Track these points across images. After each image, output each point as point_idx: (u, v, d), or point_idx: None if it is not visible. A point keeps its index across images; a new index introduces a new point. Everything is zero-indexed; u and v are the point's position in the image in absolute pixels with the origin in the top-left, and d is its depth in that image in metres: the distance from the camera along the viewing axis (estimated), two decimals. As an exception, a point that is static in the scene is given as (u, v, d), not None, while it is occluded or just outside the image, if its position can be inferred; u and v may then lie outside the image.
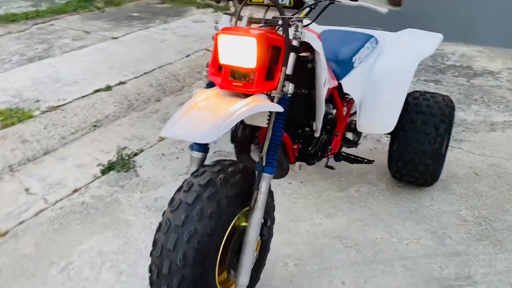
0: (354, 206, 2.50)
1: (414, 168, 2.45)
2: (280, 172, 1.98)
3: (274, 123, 1.59)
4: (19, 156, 2.90)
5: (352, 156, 2.53)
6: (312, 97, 1.90)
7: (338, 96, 2.24)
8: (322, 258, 2.12)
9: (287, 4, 1.69)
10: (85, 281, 1.98)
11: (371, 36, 2.49)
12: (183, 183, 1.54)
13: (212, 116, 1.44)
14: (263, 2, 1.70)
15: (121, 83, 3.88)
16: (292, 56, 1.59)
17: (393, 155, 2.48)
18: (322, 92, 1.82)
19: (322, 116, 1.90)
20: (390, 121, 2.30)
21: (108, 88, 3.75)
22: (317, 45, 1.73)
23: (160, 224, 1.48)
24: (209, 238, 1.44)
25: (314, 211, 2.46)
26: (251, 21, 1.73)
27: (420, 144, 2.38)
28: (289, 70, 1.58)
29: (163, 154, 3.03)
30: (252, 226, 1.59)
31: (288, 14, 1.61)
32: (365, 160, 2.53)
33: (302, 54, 1.77)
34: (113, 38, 5.08)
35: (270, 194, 1.76)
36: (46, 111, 3.32)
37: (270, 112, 1.60)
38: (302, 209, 2.47)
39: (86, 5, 6.30)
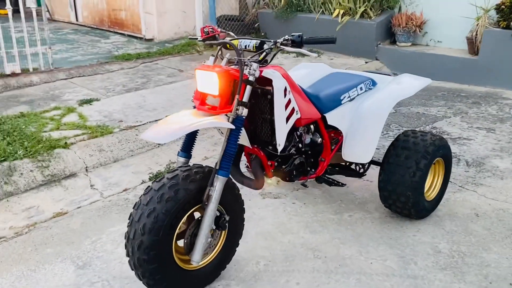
0: (340, 228, 2.79)
1: (396, 198, 2.67)
2: (256, 183, 2.42)
3: (229, 138, 2.08)
4: (94, 161, 3.73)
5: (330, 180, 2.83)
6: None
7: (323, 127, 2.62)
8: (290, 263, 2.47)
9: (251, 49, 2.19)
10: (104, 252, 2.59)
11: (369, 79, 2.83)
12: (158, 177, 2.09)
13: (175, 126, 1.98)
14: (236, 46, 2.22)
15: (189, 112, 4.63)
16: (248, 88, 2.07)
17: (380, 185, 2.74)
18: (280, 118, 2.23)
19: (283, 137, 2.29)
20: (367, 153, 2.60)
21: (177, 115, 4.51)
22: (277, 81, 2.18)
23: (135, 203, 2.03)
24: (164, 216, 1.95)
25: (303, 227, 2.80)
26: (230, 61, 2.26)
27: (402, 176, 2.62)
28: (245, 98, 2.06)
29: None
30: (206, 216, 2.06)
31: (248, 57, 2.11)
32: (340, 184, 2.82)
33: (267, 87, 2.23)
34: (199, 76, 5.95)
35: (234, 196, 2.22)
36: (124, 129, 4.17)
37: (229, 129, 2.08)
38: (294, 224, 2.84)
39: (188, 49, 7.39)
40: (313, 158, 2.64)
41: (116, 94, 5.20)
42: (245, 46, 2.21)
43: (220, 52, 2.26)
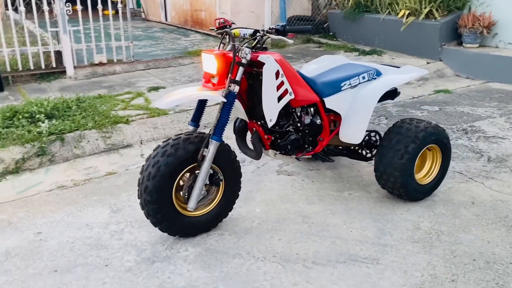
0: (336, 202, 3.09)
1: (387, 178, 2.92)
2: (254, 153, 2.84)
3: (222, 109, 2.53)
4: (148, 136, 4.40)
5: (323, 156, 3.12)
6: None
7: (323, 110, 2.95)
8: (280, 224, 2.85)
9: (247, 37, 2.60)
10: (135, 203, 3.18)
11: (373, 69, 3.09)
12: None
13: (177, 96, 2.48)
14: (238, 36, 2.65)
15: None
16: (240, 69, 2.50)
17: (374, 165, 3.00)
18: (269, 96, 2.60)
19: (273, 114, 2.65)
20: (358, 135, 2.89)
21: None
22: (268, 64, 2.57)
23: (148, 157, 2.56)
24: (165, 167, 2.46)
25: (303, 199, 3.15)
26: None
27: (391, 158, 2.87)
28: (237, 77, 2.50)
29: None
30: (200, 172, 2.53)
31: (242, 43, 2.54)
32: (330, 160, 3.12)
33: (261, 70, 2.63)
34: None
35: (230, 160, 2.67)
36: (177, 112, 4.80)
37: (222, 102, 2.53)
38: (296, 196, 3.20)
39: (256, 46, 7.92)
40: (311, 137, 2.98)
41: (180, 84, 5.89)
42: (243, 34, 2.63)
43: (228, 40, 2.67)
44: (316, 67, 3.34)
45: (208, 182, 2.61)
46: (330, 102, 2.93)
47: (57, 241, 2.71)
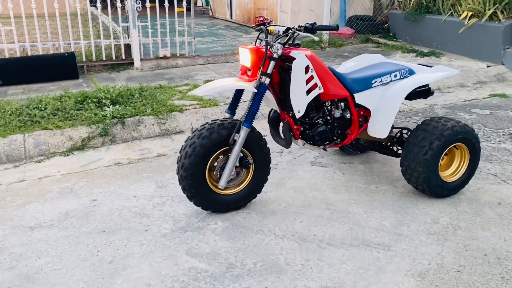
0: (361, 193, 3.25)
1: (411, 173, 3.03)
2: (283, 142, 3.08)
3: (253, 99, 2.79)
4: (199, 124, 4.77)
5: (350, 149, 3.27)
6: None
7: (353, 105, 3.12)
8: (304, 209, 3.06)
9: (281, 33, 2.83)
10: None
11: (406, 68, 3.21)
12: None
13: (214, 85, 2.78)
14: (273, 32, 2.90)
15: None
16: (271, 63, 2.75)
17: (401, 160, 3.12)
18: (297, 89, 2.82)
19: (301, 105, 2.87)
20: (384, 130, 3.03)
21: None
22: (298, 60, 2.79)
23: (186, 138, 2.89)
24: (200, 148, 2.77)
25: (330, 188, 3.34)
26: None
27: (416, 154, 2.98)
28: (269, 70, 2.75)
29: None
30: (232, 154, 2.81)
31: (276, 39, 2.78)
32: (354, 151, 3.25)
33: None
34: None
35: (260, 146, 2.93)
36: (227, 104, 5.13)
37: (253, 92, 2.80)
38: (324, 185, 3.39)
39: (313, 45, 8.10)
40: (340, 130, 3.16)
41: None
42: (277, 31, 2.87)
43: (265, 35, 2.92)
44: (354, 64, 3.51)
45: (238, 165, 2.89)
46: (360, 97, 3.09)
47: (108, 208, 3.13)
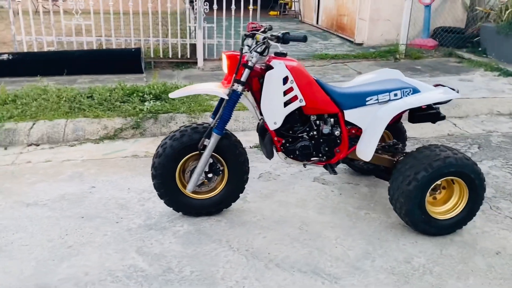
0: (346, 218, 3.02)
1: (395, 203, 2.74)
2: (265, 153, 2.98)
3: (225, 105, 2.75)
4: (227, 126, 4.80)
5: (333, 169, 3.02)
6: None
7: (343, 122, 2.91)
8: (276, 224, 2.94)
9: (260, 41, 2.73)
10: (176, 179, 3.62)
11: (410, 88, 2.89)
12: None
13: (189, 90, 2.80)
14: (259, 40, 2.80)
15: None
16: (246, 71, 2.68)
17: (388, 187, 2.83)
18: (269, 100, 2.71)
19: (276, 117, 2.74)
20: (367, 152, 2.77)
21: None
22: (276, 69, 2.68)
23: (161, 141, 2.94)
24: (170, 149, 2.81)
25: (316, 208, 3.16)
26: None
27: (400, 183, 2.68)
28: (243, 78, 2.69)
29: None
30: (201, 160, 2.81)
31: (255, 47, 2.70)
32: (333, 171, 3.02)
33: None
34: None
35: (235, 153, 2.88)
36: (263, 109, 5.10)
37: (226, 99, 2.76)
38: (312, 203, 3.21)
39: (387, 55, 7.66)
40: (328, 147, 2.97)
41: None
42: (261, 39, 2.77)
43: (241, 43, 2.85)
44: (365, 78, 3.26)
45: (207, 169, 2.87)
46: (351, 115, 2.87)
47: (99, 196, 3.32)
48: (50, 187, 3.46)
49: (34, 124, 4.58)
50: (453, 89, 2.92)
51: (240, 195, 3.05)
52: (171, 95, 2.83)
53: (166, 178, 2.86)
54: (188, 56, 7.08)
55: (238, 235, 2.82)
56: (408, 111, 2.97)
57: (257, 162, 3.87)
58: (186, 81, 6.05)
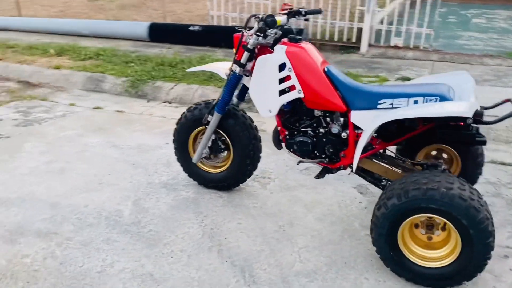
0: (336, 232, 2.66)
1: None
2: (275, 143, 2.86)
3: (225, 85, 2.75)
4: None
5: (321, 173, 2.69)
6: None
7: (351, 124, 2.53)
8: (251, 225, 2.83)
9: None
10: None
11: (437, 96, 2.27)
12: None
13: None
14: (280, 23, 2.63)
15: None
16: (245, 53, 2.61)
17: (374, 210, 2.36)
18: (258, 86, 2.59)
19: (269, 105, 2.56)
20: (355, 161, 2.36)
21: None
22: (274, 54, 2.52)
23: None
24: (185, 119, 3.01)
25: (315, 213, 2.86)
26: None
27: (375, 207, 2.22)
28: (242, 60, 2.64)
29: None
30: (205, 134, 2.92)
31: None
32: (320, 176, 2.70)
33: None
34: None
35: (238, 135, 2.88)
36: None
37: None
38: (311, 209, 2.92)
39: None
40: (333, 149, 2.63)
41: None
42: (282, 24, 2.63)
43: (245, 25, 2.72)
44: (422, 78, 2.74)
45: (210, 145, 2.97)
46: (357, 116, 2.47)
47: (163, 152, 3.78)
48: (140, 137, 4.12)
49: (175, 85, 5.40)
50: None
51: (265, 179, 3.03)
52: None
53: (181, 145, 3.10)
54: (354, 41, 6.83)
55: (221, 214, 2.85)
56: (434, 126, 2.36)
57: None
58: (337, 66, 5.91)
